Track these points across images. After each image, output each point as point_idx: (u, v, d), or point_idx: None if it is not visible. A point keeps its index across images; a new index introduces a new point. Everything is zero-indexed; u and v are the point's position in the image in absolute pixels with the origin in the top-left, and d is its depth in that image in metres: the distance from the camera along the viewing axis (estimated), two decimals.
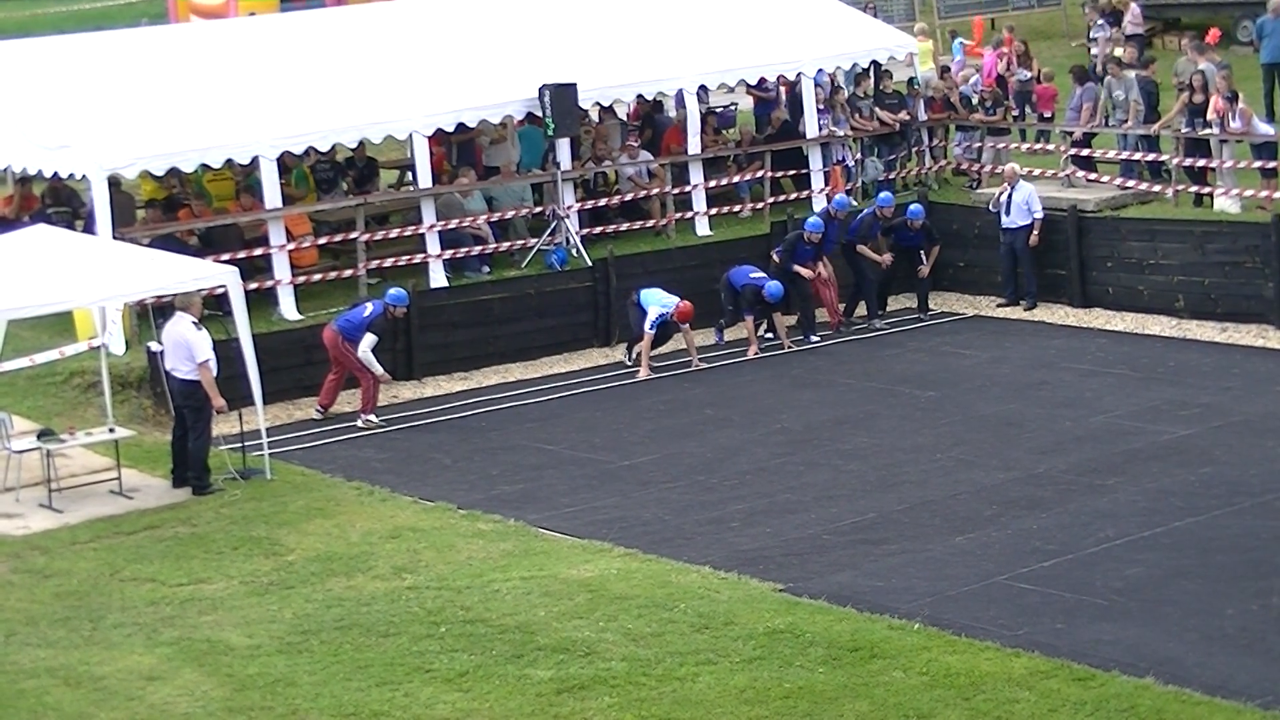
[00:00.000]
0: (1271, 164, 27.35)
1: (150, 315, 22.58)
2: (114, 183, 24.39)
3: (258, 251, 24.89)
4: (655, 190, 28.57)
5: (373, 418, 22.77)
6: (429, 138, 26.48)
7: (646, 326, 24.92)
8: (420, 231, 26.23)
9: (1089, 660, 14.45)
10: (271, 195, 25.02)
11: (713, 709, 13.74)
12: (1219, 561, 16.80)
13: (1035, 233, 27.22)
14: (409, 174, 28.30)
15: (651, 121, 30.95)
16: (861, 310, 27.66)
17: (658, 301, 25.03)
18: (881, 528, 18.24)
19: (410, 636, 15.47)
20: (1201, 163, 28.00)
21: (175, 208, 26.13)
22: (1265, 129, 27.97)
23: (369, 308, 22.96)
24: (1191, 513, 18.16)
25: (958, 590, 16.33)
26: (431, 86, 26.79)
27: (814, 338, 26.57)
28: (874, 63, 30.85)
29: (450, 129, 27.01)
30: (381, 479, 20.34)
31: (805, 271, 26.47)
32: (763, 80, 30.39)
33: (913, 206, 28.05)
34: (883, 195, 28.14)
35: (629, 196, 28.65)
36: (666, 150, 29.46)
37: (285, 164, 26.18)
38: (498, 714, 13.84)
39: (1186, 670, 14.18)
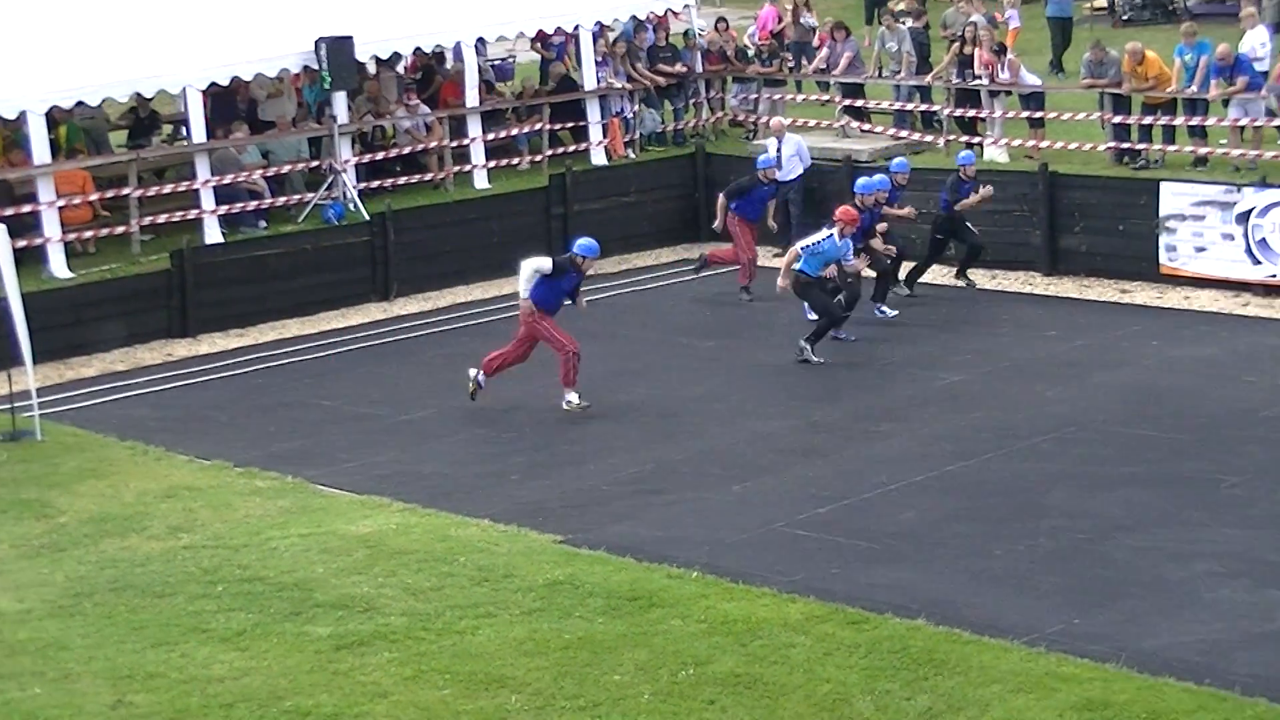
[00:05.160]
0: (1039, 114, 27.94)
1: None
2: None
3: (26, 209, 24.37)
4: (433, 144, 28.42)
5: (574, 397, 20.73)
6: (203, 91, 26.11)
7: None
8: (195, 187, 25.86)
9: (863, 604, 14.66)
10: (40, 151, 24.48)
11: (492, 661, 13.76)
12: (989, 504, 17.14)
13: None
14: (183, 128, 27.89)
15: (430, 74, 30.79)
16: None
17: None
18: (660, 478, 18.36)
19: (186, 596, 15.29)
20: (972, 113, 28.49)
21: None
22: (1033, 80, 28.56)
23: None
24: (963, 457, 18.51)
25: (735, 538, 16.49)
26: (206, 40, 26.34)
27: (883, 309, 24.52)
28: (651, 15, 30.94)
29: (225, 83, 26.64)
30: (156, 438, 20.05)
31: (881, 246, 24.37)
32: (545, 33, 30.33)
33: (963, 153, 26.35)
34: (964, 154, 26.15)
35: (407, 150, 28.48)
36: (444, 103, 29.32)
37: (54, 118, 25.62)
38: (276, 672, 13.73)
39: (957, 611, 14.44)
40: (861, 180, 24.35)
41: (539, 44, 31.26)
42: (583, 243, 21.22)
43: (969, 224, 25.75)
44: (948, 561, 15.73)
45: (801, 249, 22.28)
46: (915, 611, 14.40)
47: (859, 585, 15.15)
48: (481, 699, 13.16)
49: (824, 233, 22.32)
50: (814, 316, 22.74)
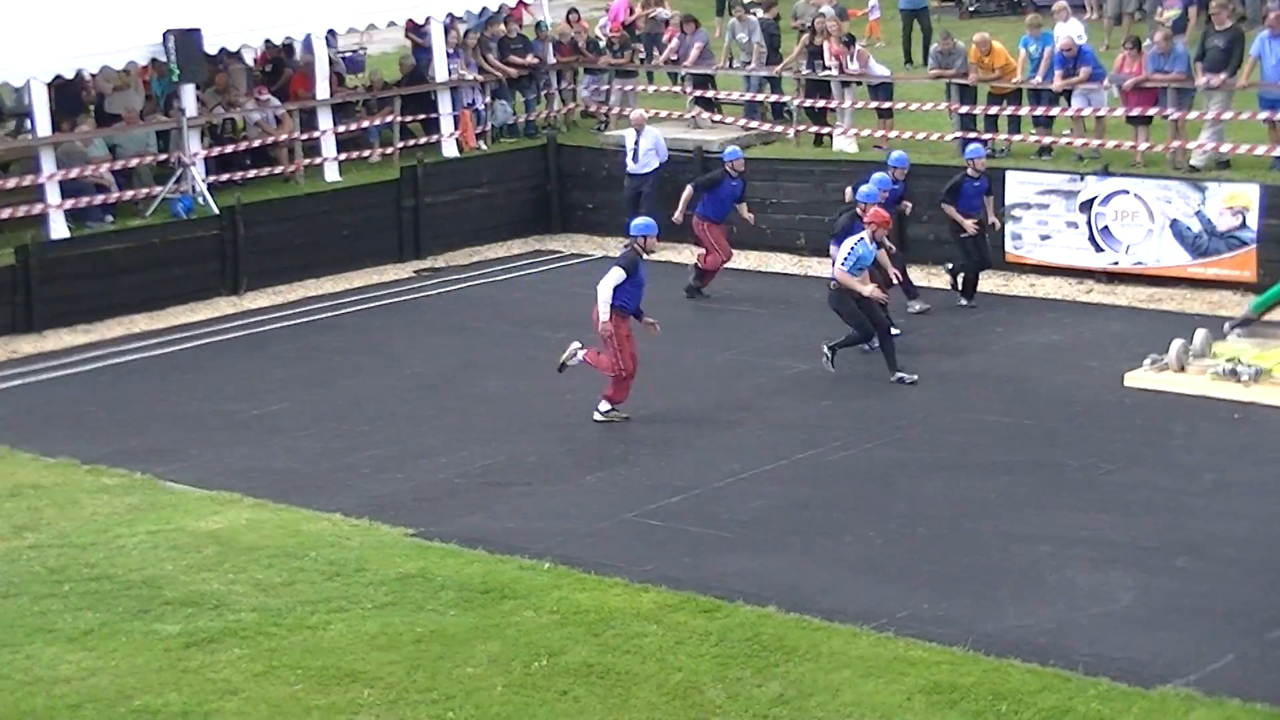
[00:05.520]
0: (887, 104, 28.19)
1: None
2: None
3: None
4: (283, 136, 28.22)
5: (605, 405, 19.79)
6: (48, 84, 25.75)
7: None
8: (40, 182, 25.50)
9: (715, 592, 14.74)
10: None
11: (344, 656, 13.70)
12: (839, 492, 17.29)
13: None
14: (27, 122, 27.49)
15: (279, 67, 30.56)
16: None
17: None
18: (512, 470, 18.36)
19: (31, 596, 15.07)
20: (821, 103, 28.70)
21: None
22: (881, 71, 28.80)
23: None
24: (813, 445, 18.66)
25: (587, 529, 16.52)
26: (50, 32, 25.99)
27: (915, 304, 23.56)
28: (503, 6, 30.89)
29: (70, 75, 26.30)
30: (0, 436, 19.77)
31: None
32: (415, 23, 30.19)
33: (972, 146, 24.76)
34: (972, 148, 24.59)
35: (256, 143, 28.26)
36: (294, 96, 29.13)
37: None
38: (124, 671, 13.59)
39: (807, 597, 14.56)
40: (863, 189, 22.09)
41: (413, 34, 31.04)
42: (638, 223, 20.33)
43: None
44: (798, 549, 15.85)
45: (842, 260, 20.80)
46: (766, 599, 14.50)
47: (710, 574, 15.23)
48: (333, 694, 13.10)
49: (854, 238, 20.83)
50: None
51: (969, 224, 23.54)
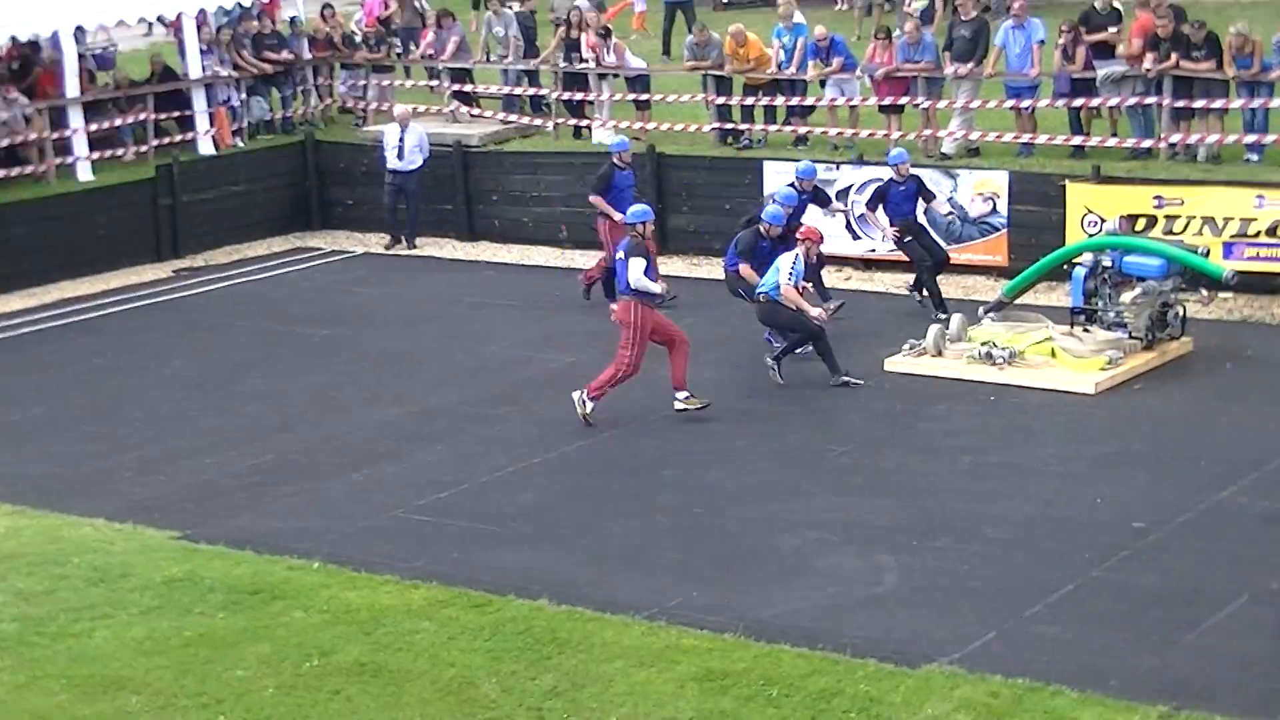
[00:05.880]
0: (645, 96, 28.37)
1: None
2: None
3: None
4: (33, 135, 27.62)
5: (587, 403, 19.10)
6: None
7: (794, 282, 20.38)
8: None
9: (486, 586, 14.76)
10: None
11: (110, 663, 13.50)
12: (606, 483, 17.40)
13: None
14: None
15: (27, 64, 29.89)
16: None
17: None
18: (279, 469, 18.20)
19: None
20: (579, 96, 28.80)
21: None
22: (638, 63, 29.00)
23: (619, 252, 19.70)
24: (580, 437, 18.74)
25: (356, 527, 16.45)
26: None
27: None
28: (256, 1, 30.55)
29: None
30: None
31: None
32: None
33: (895, 151, 23.56)
34: (895, 152, 23.45)
35: (5, 143, 27.59)
36: (43, 94, 28.51)
37: None
38: None
39: (578, 589, 14.64)
40: (770, 209, 21.35)
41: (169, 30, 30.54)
42: (636, 210, 19.88)
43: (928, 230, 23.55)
44: (568, 541, 15.93)
45: (788, 277, 20.28)
46: (537, 592, 14.55)
47: (481, 568, 15.25)
48: (100, 702, 12.90)
49: (790, 256, 20.27)
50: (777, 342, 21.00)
51: (890, 230, 22.89)
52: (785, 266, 20.25)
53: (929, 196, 23.13)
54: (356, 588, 14.86)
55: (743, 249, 21.23)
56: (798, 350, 20.64)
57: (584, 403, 19.15)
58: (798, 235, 20.64)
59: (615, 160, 24.01)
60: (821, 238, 21.00)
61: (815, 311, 20.43)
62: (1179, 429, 18.26)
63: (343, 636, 13.89)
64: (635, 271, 19.06)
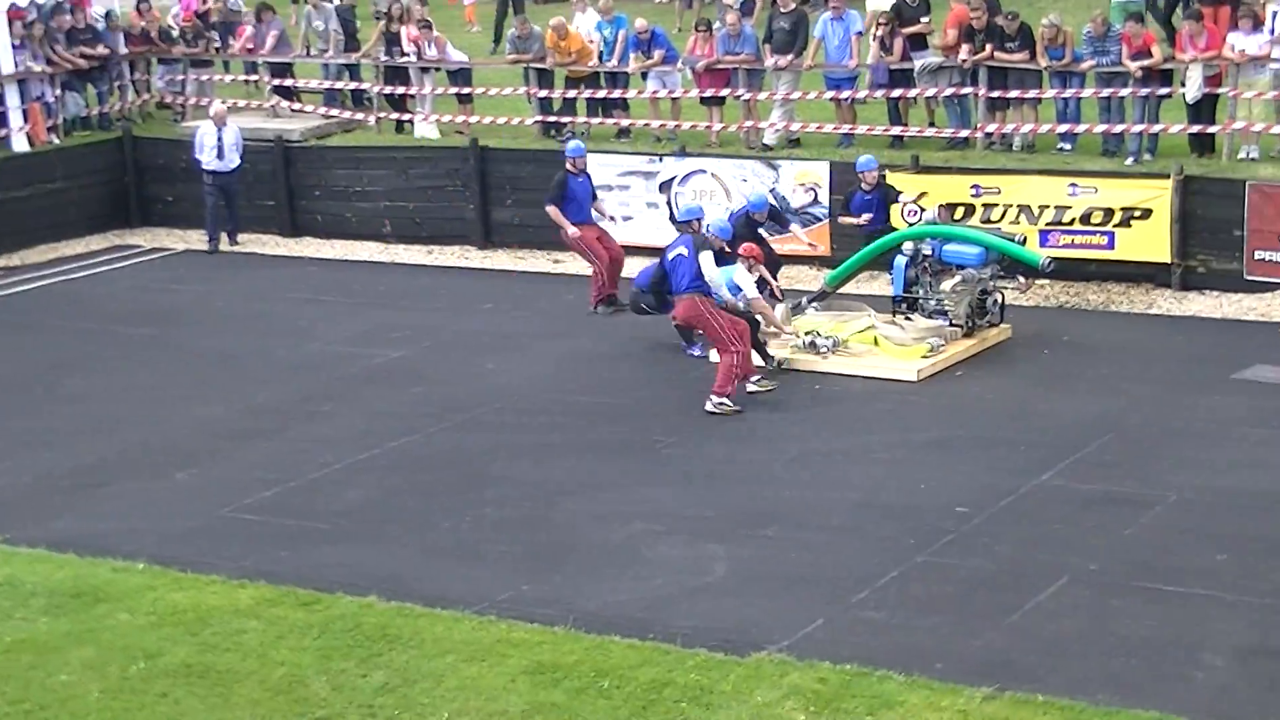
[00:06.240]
0: (467, 90, 28.31)
1: None
2: None
3: None
4: None
5: (721, 401, 18.87)
6: None
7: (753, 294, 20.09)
8: None
9: (315, 584, 14.67)
10: None
11: None
12: (434, 478, 17.35)
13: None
14: None
15: None
16: None
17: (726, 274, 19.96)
18: (102, 470, 17.94)
19: None
20: (401, 90, 28.68)
21: None
22: (459, 56, 28.92)
23: (680, 249, 19.61)
24: (407, 432, 18.67)
25: (182, 527, 16.27)
26: None
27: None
28: None
29: None
30: None
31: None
32: None
33: (864, 159, 22.77)
34: (864, 159, 22.60)
35: None
36: None
37: None
38: None
39: (407, 585, 14.59)
40: (717, 222, 20.75)
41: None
42: (691, 206, 21.62)
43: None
44: (396, 537, 15.87)
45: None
46: (366, 589, 14.49)
47: (309, 566, 15.15)
48: None
49: (732, 269, 19.88)
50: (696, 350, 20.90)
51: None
52: (745, 279, 19.87)
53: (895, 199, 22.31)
54: (183, 588, 14.71)
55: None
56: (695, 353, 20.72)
57: (720, 404, 18.85)
58: (740, 251, 20.26)
59: (569, 166, 23.37)
60: (760, 256, 20.56)
61: (781, 324, 20.44)
62: (999, 414, 18.55)
63: (169, 638, 13.74)
64: (711, 263, 19.29)
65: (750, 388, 19.33)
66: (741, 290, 19.87)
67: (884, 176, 22.55)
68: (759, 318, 20.05)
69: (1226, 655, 12.83)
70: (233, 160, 27.25)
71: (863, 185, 22.33)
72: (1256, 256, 22.13)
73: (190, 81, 30.50)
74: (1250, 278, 22.19)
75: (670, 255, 19.95)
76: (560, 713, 12.36)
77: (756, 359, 19.82)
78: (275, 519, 16.40)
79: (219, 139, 27.14)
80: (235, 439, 18.75)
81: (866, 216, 22.06)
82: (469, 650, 13.31)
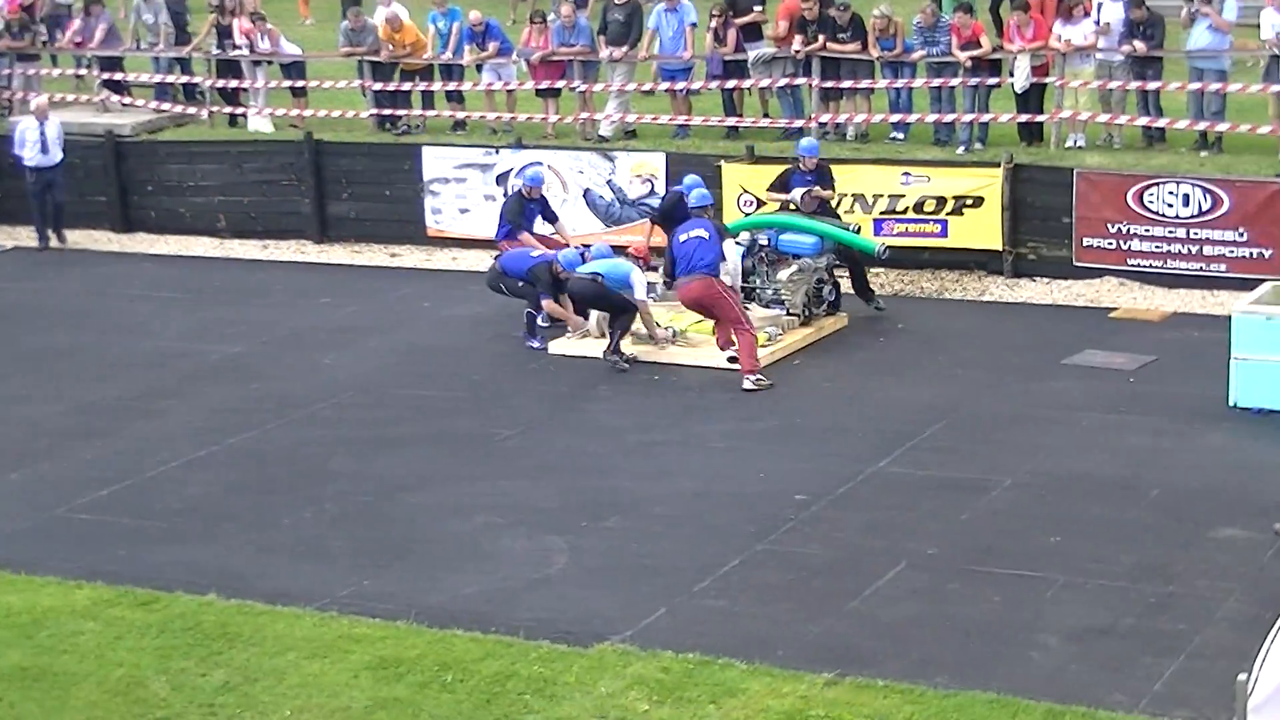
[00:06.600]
0: (301, 83, 28.10)
1: None
2: None
3: None
4: None
5: (757, 378, 19.17)
6: None
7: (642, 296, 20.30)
8: None
9: (153, 584, 14.52)
10: None
11: None
12: (273, 474, 17.23)
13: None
14: None
15: None
16: None
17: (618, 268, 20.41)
18: None
19: None
20: (234, 83, 28.41)
21: None
22: (292, 49, 28.68)
23: (698, 231, 19.81)
24: (245, 428, 18.52)
25: (15, 527, 16.03)
26: None
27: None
28: None
29: None
30: None
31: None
32: None
33: (806, 142, 22.41)
34: (806, 143, 22.28)
35: None
36: None
37: None
38: None
39: (247, 583, 14.49)
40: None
41: None
42: (702, 193, 20.94)
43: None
44: (235, 534, 15.74)
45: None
46: (205, 587, 14.37)
47: (147, 565, 14.99)
48: None
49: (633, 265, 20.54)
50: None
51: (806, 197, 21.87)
52: (639, 280, 20.27)
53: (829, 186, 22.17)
54: (16, 590, 14.50)
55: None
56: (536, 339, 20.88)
57: (757, 380, 19.14)
58: (630, 251, 20.88)
59: (524, 193, 22.45)
60: (648, 257, 21.61)
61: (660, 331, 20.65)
62: (837, 402, 18.73)
63: (3, 641, 13.55)
64: (732, 252, 20.08)
65: (748, 386, 19.24)
66: (633, 288, 20.12)
67: (827, 163, 22.41)
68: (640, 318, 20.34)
69: (1062, 635, 13.06)
70: (56, 155, 26.81)
71: (801, 166, 21.93)
72: (1085, 244, 22.50)
73: (16, 76, 29.99)
74: (1079, 264, 22.56)
75: (682, 238, 19.98)
76: (404, 707, 12.34)
77: (612, 353, 19.95)
78: (111, 518, 16.21)
79: (41, 134, 26.68)
80: (69, 438, 18.50)
81: (799, 192, 21.77)
82: (310, 647, 13.24)
